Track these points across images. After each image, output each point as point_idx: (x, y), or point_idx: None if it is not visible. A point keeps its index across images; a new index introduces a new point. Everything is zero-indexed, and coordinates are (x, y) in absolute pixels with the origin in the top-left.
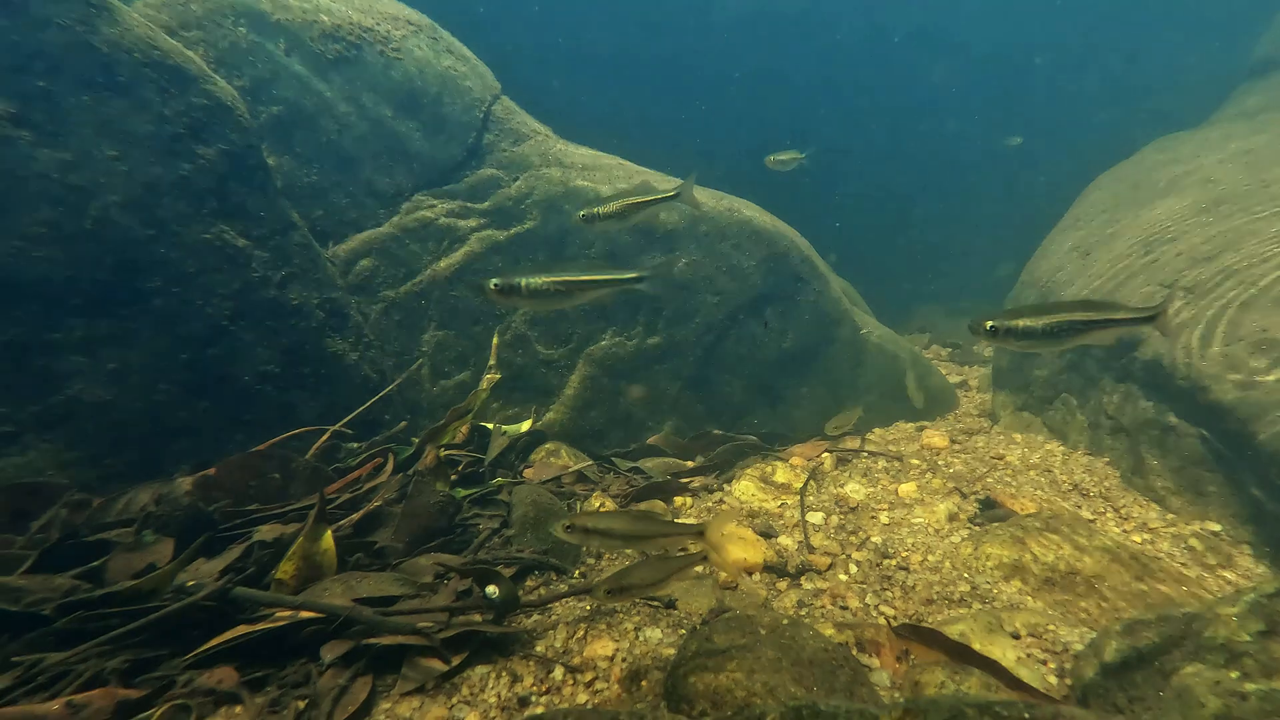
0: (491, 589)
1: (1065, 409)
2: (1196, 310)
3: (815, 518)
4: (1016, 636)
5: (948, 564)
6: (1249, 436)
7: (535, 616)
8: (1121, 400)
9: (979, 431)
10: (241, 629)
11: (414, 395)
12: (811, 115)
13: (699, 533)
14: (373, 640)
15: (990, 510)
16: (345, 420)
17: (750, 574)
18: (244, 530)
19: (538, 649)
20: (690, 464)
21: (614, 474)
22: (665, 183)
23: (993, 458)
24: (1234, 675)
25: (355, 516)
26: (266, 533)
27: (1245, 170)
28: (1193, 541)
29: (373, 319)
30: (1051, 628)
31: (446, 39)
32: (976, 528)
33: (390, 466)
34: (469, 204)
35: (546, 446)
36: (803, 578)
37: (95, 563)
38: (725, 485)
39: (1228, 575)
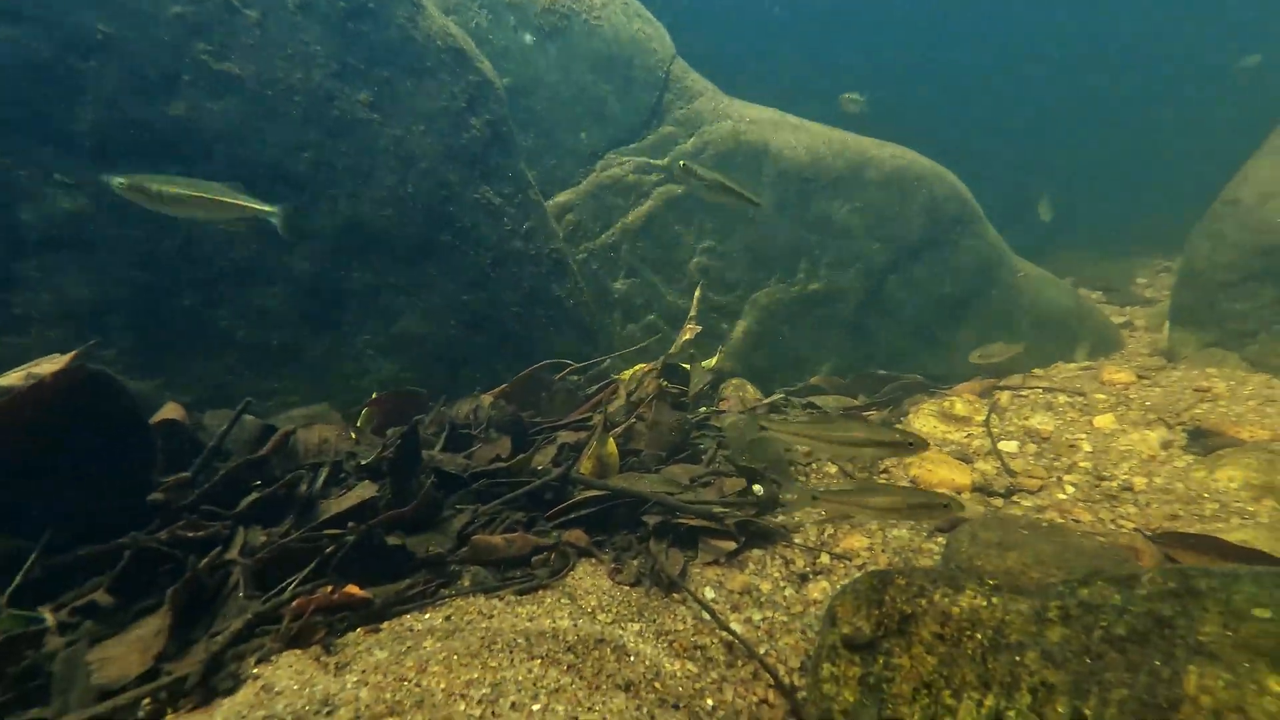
0: (756, 488)
1: (1274, 339)
2: None
3: (1009, 446)
4: None
5: (1180, 485)
6: None
7: (781, 517)
8: None
9: (1163, 368)
10: (582, 496)
11: (609, 336)
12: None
13: (912, 444)
14: (678, 520)
15: (1204, 439)
16: (587, 363)
17: (960, 494)
18: (546, 434)
19: (797, 540)
20: (855, 401)
21: (792, 407)
22: (824, 129)
23: (1195, 390)
24: None
25: (618, 430)
26: (567, 437)
27: None
28: None
29: (576, 268)
30: None
31: (634, 3)
32: (1196, 455)
33: (623, 394)
34: (652, 160)
35: (734, 381)
36: (1015, 496)
37: (470, 449)
38: (902, 419)
39: None
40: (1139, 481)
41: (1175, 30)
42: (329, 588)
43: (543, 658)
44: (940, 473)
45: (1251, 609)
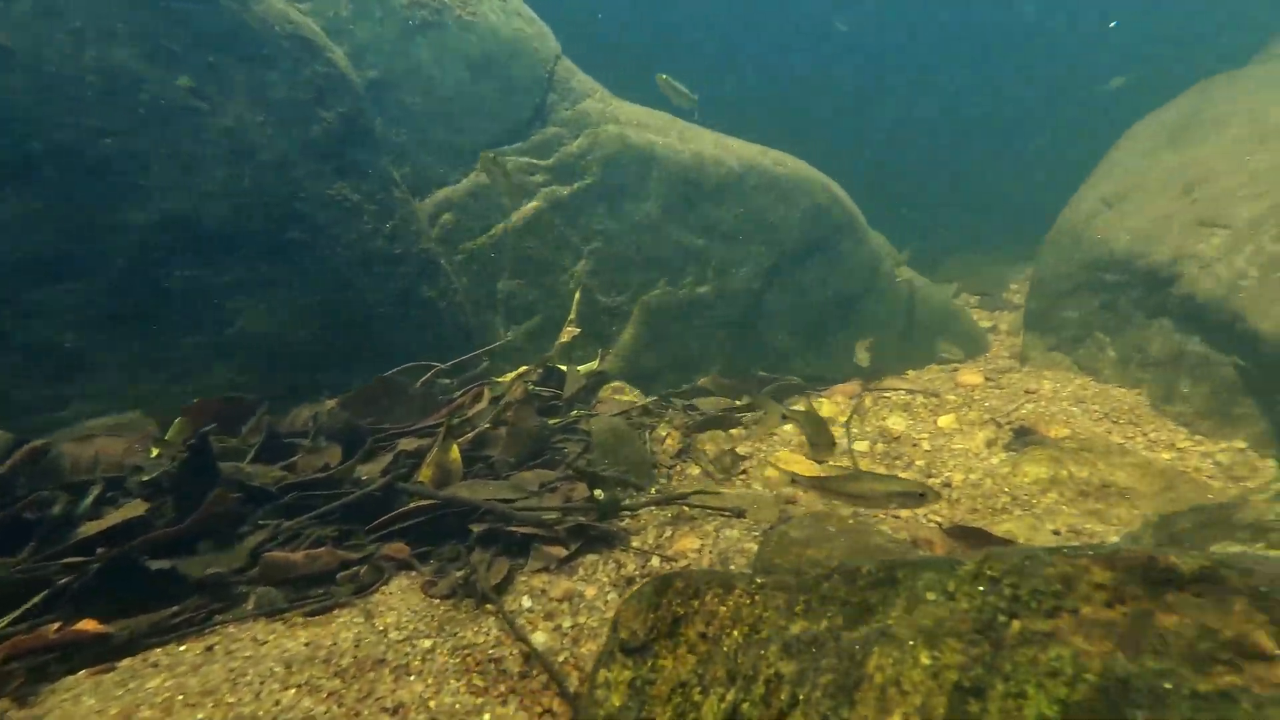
0: (598, 492)
1: (1096, 346)
2: (1235, 245)
3: (862, 445)
4: (1057, 533)
5: (988, 481)
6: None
7: (626, 520)
8: (1155, 335)
9: (1010, 370)
10: (410, 506)
11: (490, 339)
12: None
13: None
14: (508, 529)
15: (1025, 437)
16: (451, 363)
17: (807, 492)
18: (387, 442)
19: (634, 544)
20: (738, 402)
21: (673, 409)
22: (711, 135)
23: (1025, 391)
24: (1260, 546)
25: (470, 435)
26: (407, 444)
27: None
28: (1220, 457)
29: (455, 269)
30: (1088, 526)
31: (514, 1)
32: (1014, 452)
33: (488, 397)
34: (536, 161)
35: (612, 384)
36: None
37: (290, 460)
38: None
39: (1251, 485)
40: (957, 478)
41: (1060, 47)
42: (55, 625)
43: (300, 686)
44: (794, 471)
45: (926, 593)
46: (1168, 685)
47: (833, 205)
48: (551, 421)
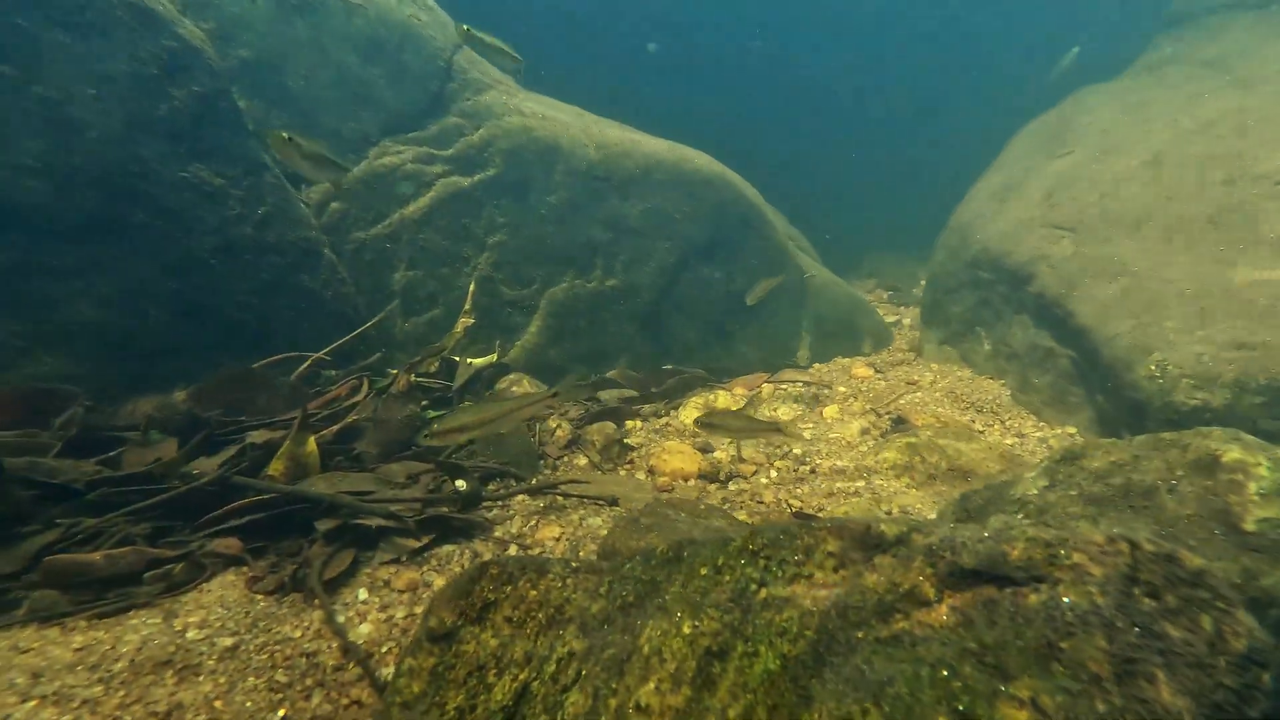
0: (460, 483)
1: (975, 340)
2: (1077, 248)
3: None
4: (888, 513)
5: (851, 467)
6: (1096, 353)
7: (495, 510)
8: (1018, 329)
9: (902, 363)
10: (241, 503)
11: (387, 331)
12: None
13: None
14: (358, 521)
15: (900, 426)
16: (325, 351)
17: (687, 480)
18: (237, 436)
19: (497, 534)
20: (637, 393)
21: (573, 402)
22: (618, 130)
23: (907, 383)
24: (1019, 516)
25: (335, 427)
26: (257, 437)
27: (1134, 123)
28: (1053, 441)
29: (346, 259)
30: (919, 507)
31: None
32: (881, 439)
33: (365, 388)
34: (434, 151)
35: (510, 377)
36: (730, 482)
37: (112, 453)
38: (672, 411)
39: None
40: (825, 465)
41: (985, 33)
42: None
43: (45, 697)
44: (674, 462)
45: (700, 568)
46: (859, 634)
47: (738, 200)
48: (434, 414)
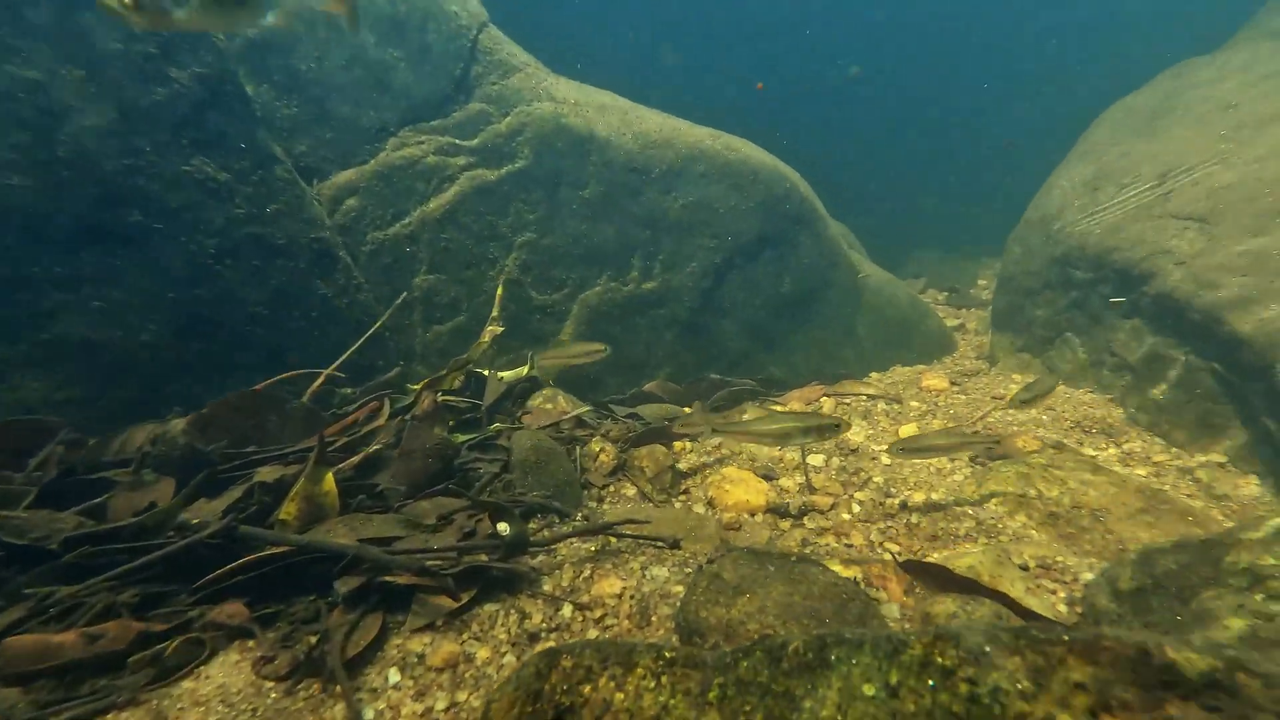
0: (502, 526)
1: (1067, 348)
2: (1211, 241)
3: (816, 460)
4: (1025, 568)
5: (951, 501)
6: (1266, 368)
7: (540, 557)
8: (1127, 337)
9: (977, 373)
10: (247, 560)
11: (407, 341)
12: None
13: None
14: (385, 578)
15: (993, 449)
16: (337, 364)
17: (753, 515)
18: (244, 471)
19: (545, 587)
20: (687, 410)
21: (612, 419)
22: (658, 117)
23: (993, 398)
24: (1259, 598)
25: (356, 459)
26: (267, 474)
27: (1269, 96)
28: (1200, 473)
29: (362, 261)
30: (1059, 559)
31: None
32: (979, 466)
33: (386, 411)
34: (458, 141)
35: (544, 392)
36: (805, 518)
37: (96, 500)
38: None
39: (1233, 505)
40: (917, 498)
41: (1028, 29)
42: None
43: None
44: (736, 494)
45: (862, 685)
46: None
47: (790, 194)
48: (463, 438)
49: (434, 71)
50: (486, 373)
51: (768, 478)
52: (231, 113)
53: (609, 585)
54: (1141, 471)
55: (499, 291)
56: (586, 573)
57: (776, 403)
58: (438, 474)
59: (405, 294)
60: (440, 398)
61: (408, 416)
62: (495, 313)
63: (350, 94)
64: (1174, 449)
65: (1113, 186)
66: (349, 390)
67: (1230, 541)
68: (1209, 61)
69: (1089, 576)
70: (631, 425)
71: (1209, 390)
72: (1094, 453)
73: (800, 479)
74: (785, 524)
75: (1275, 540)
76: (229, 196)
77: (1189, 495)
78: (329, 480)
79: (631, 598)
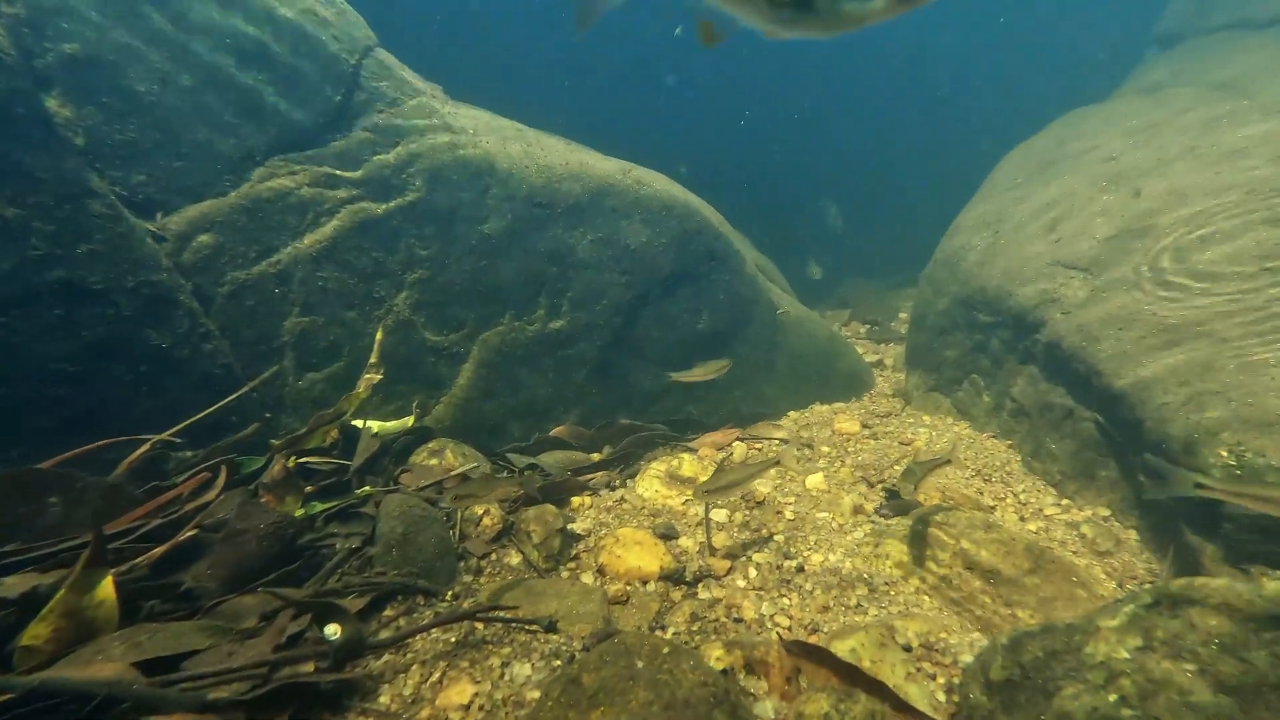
0: (331, 628)
1: (973, 389)
2: (1093, 291)
3: (720, 515)
4: (908, 649)
5: (848, 564)
6: (1138, 423)
7: (387, 656)
8: (1025, 383)
9: (891, 414)
10: None
11: (275, 391)
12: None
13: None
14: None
15: (895, 500)
16: (178, 428)
17: (645, 584)
18: None
19: (381, 699)
20: (596, 457)
21: (509, 473)
22: (565, 147)
23: (901, 444)
24: (1112, 699)
25: (160, 550)
26: (13, 586)
27: (1141, 147)
28: (1085, 529)
29: (218, 304)
30: (944, 635)
31: None
32: (881, 519)
33: (221, 481)
34: (338, 172)
35: (430, 446)
36: (700, 585)
37: None
38: (629, 481)
39: (1114, 562)
40: (815, 560)
41: (977, 59)
42: None
43: None
44: (629, 559)
45: None
46: None
47: (704, 230)
48: (322, 507)
49: (308, 97)
50: (361, 425)
51: (667, 537)
52: (25, 139)
53: (458, 693)
54: (1033, 527)
55: (379, 335)
56: (437, 674)
57: (687, 449)
58: (275, 558)
59: (276, 365)
60: (294, 461)
61: (269, 485)
62: (374, 359)
63: (206, 119)
64: (1065, 500)
65: (1011, 230)
66: (190, 454)
67: (1090, 629)
68: (1096, 111)
69: (968, 659)
70: (532, 477)
71: (1094, 441)
72: (992, 502)
73: (701, 538)
74: (677, 594)
75: (1129, 629)
76: (20, 236)
77: (1075, 552)
78: (107, 585)
79: (481, 709)
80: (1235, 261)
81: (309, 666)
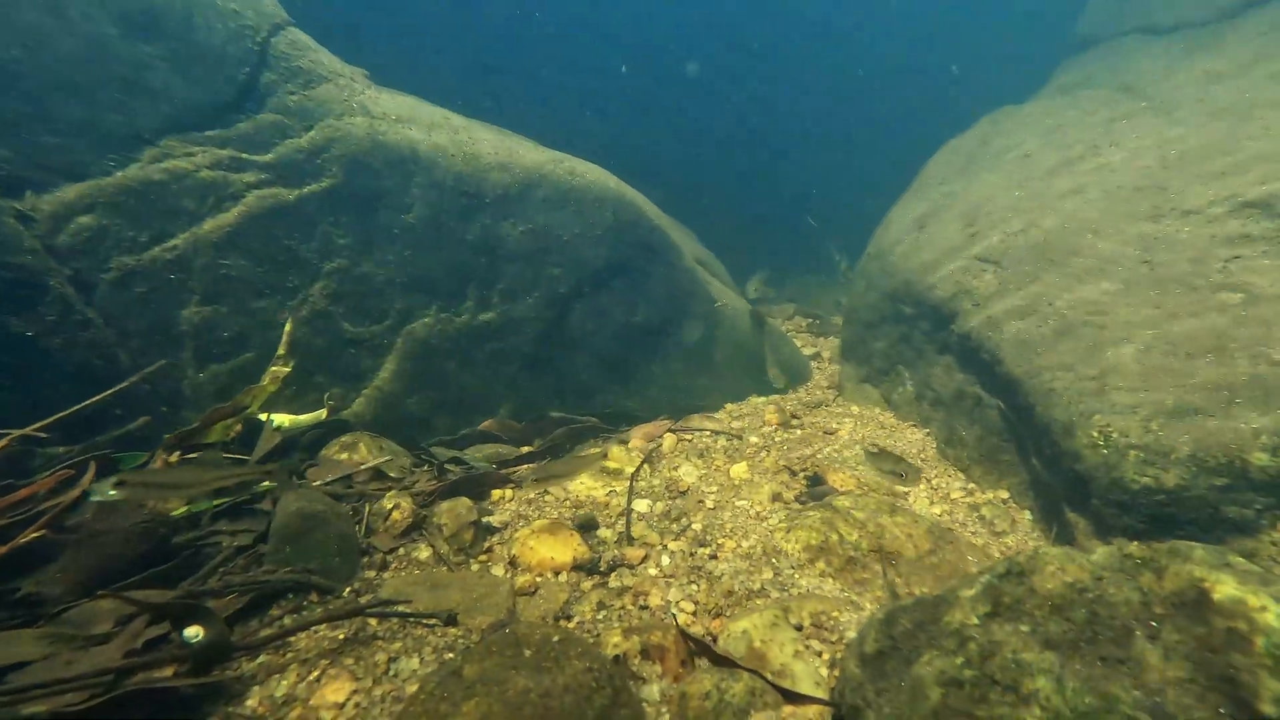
0: (192, 631)
1: (898, 380)
2: (1001, 284)
3: (642, 505)
4: (800, 628)
5: (759, 549)
6: (1030, 408)
7: (263, 657)
8: (942, 372)
9: (821, 404)
10: None
11: (173, 384)
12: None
13: None
14: None
15: (817, 487)
16: (46, 422)
17: (557, 575)
18: None
19: (249, 702)
20: (524, 449)
21: (430, 467)
22: (494, 136)
23: (825, 433)
24: (958, 661)
25: (2, 549)
26: None
27: (1053, 147)
28: (985, 510)
29: (101, 291)
30: (836, 614)
31: None
32: (799, 507)
33: (88, 479)
34: (244, 155)
35: (343, 439)
36: (612, 575)
37: None
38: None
39: (1009, 541)
40: (729, 546)
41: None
42: None
43: None
44: (542, 550)
45: None
46: None
47: (639, 221)
48: (210, 505)
49: (208, 74)
50: (264, 418)
51: (586, 528)
52: None
53: (334, 690)
54: (937, 510)
55: (287, 327)
56: (316, 673)
57: (618, 441)
58: (144, 559)
59: (163, 361)
60: (183, 456)
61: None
62: (282, 350)
63: (85, 94)
64: (971, 484)
65: (936, 225)
66: (62, 449)
67: (952, 600)
68: (1017, 110)
69: (852, 635)
70: (449, 472)
71: (998, 428)
72: (905, 488)
73: (622, 528)
74: (588, 584)
75: (981, 598)
76: None
77: (974, 533)
78: None
79: (357, 706)
80: (1121, 256)
81: (168, 671)
